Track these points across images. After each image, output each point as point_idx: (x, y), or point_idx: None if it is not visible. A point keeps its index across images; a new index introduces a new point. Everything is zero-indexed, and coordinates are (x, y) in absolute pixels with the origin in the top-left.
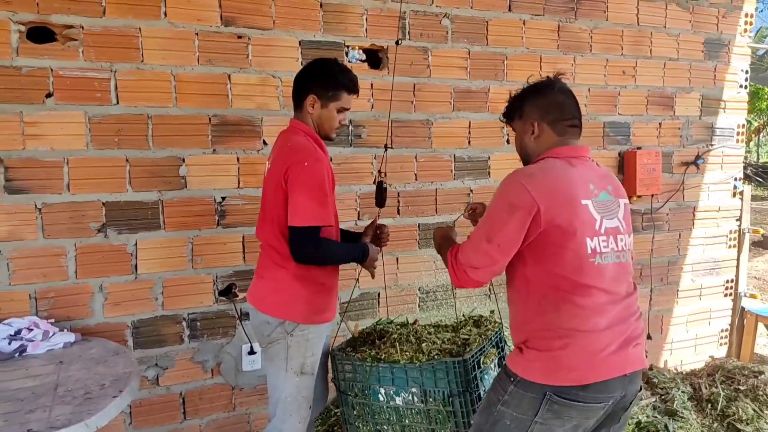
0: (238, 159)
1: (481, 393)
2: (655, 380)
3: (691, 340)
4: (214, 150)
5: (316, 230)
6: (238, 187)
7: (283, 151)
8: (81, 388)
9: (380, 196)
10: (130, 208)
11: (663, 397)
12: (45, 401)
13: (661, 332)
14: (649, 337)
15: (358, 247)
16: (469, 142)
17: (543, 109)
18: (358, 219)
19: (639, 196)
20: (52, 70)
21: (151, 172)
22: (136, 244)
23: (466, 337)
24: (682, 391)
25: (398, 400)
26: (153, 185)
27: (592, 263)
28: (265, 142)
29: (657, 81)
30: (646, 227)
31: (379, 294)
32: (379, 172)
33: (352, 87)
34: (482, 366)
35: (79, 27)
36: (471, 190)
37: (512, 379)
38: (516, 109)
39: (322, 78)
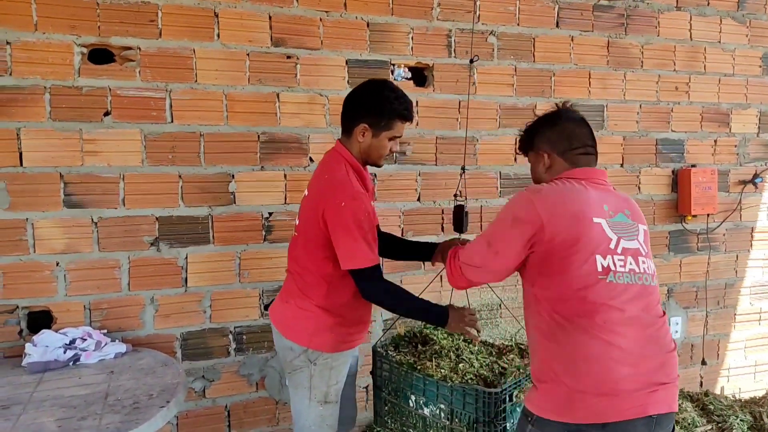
0: (285, 176)
1: (507, 426)
2: (711, 407)
3: (750, 366)
4: (262, 167)
5: (373, 269)
6: (285, 203)
7: (320, 183)
8: (130, 398)
9: (459, 218)
10: (182, 222)
11: (720, 425)
12: (96, 409)
13: (717, 358)
14: (704, 362)
15: (434, 309)
16: (515, 159)
17: (552, 141)
18: (402, 236)
19: (694, 216)
20: (110, 89)
21: (202, 188)
22: (186, 257)
23: (505, 366)
24: (741, 420)
25: (426, 411)
26: (204, 200)
27: (602, 281)
28: (311, 159)
29: (712, 97)
30: (701, 248)
31: None
32: (455, 195)
33: (408, 115)
34: (514, 399)
35: (137, 48)
36: None
37: (529, 419)
38: (527, 142)
39: (376, 106)
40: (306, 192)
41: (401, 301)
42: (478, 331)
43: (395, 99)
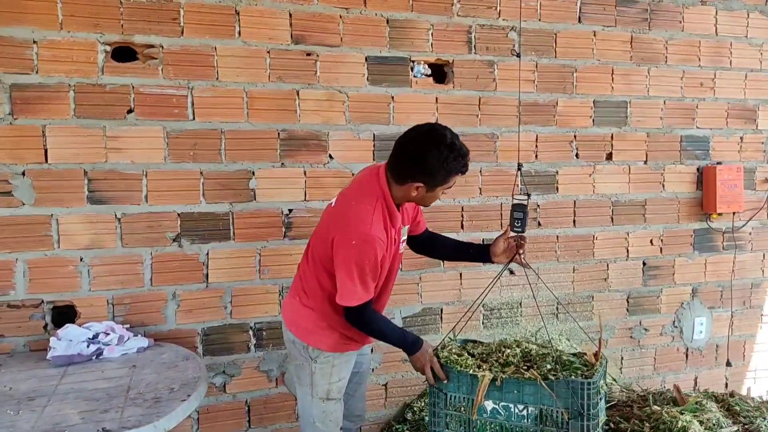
0: (305, 172)
1: (601, 420)
2: (737, 408)
3: None
4: (282, 164)
5: (361, 307)
6: (305, 199)
7: (346, 206)
8: (151, 392)
9: (517, 217)
10: (203, 219)
11: (747, 426)
12: (118, 402)
13: (743, 359)
14: (729, 363)
15: (408, 338)
16: (536, 156)
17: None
18: None
19: (719, 214)
20: (133, 87)
21: (223, 184)
22: (207, 254)
23: (571, 360)
24: None
25: (501, 417)
26: (224, 197)
27: None
28: (331, 156)
29: (738, 93)
30: (726, 247)
31: (441, 309)
32: (512, 194)
33: (466, 170)
34: (601, 393)
35: (159, 46)
36: (538, 205)
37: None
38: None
39: (435, 169)
40: (333, 201)
41: (378, 333)
42: (438, 379)
43: (454, 159)
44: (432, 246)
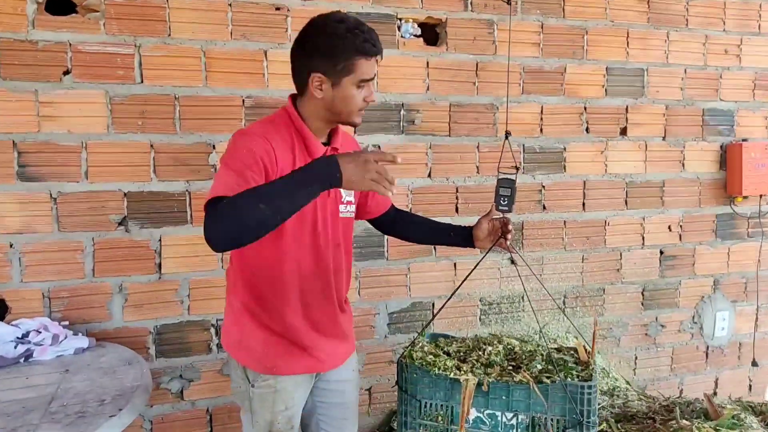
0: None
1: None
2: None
3: None
4: None
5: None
6: None
7: None
8: (78, 404)
9: (503, 194)
10: (155, 199)
11: None
12: (33, 418)
13: None
14: (754, 363)
15: (309, 171)
16: (541, 130)
17: None
18: None
19: (745, 197)
20: (70, 44)
21: (179, 159)
22: (160, 240)
23: (566, 359)
24: None
25: (486, 427)
26: (180, 174)
27: None
28: None
29: (767, 62)
30: (752, 234)
31: (433, 304)
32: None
33: (370, 48)
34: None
35: None
36: (543, 186)
37: None
38: None
39: (326, 46)
40: None
41: (250, 199)
42: (391, 183)
43: (348, 31)
44: (403, 226)
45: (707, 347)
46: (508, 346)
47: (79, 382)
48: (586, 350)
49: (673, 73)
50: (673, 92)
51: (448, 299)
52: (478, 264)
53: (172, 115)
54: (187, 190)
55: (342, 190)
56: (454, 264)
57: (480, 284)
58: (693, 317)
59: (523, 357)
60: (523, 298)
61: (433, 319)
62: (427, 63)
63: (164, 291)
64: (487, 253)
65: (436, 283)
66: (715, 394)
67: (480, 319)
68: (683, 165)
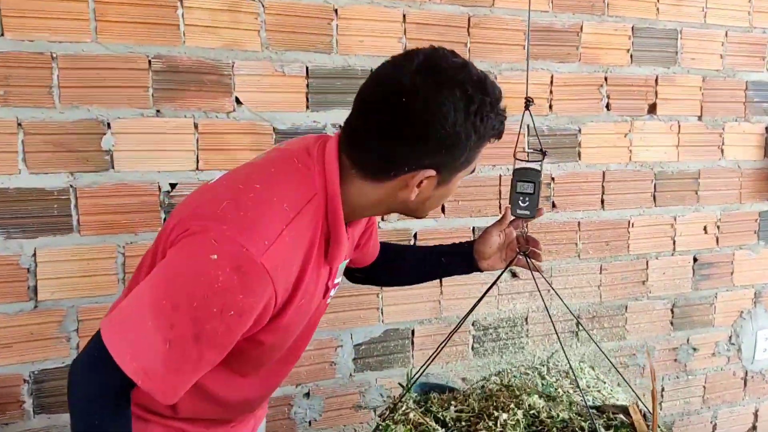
0: (196, 125)
1: None
2: None
3: None
4: (158, 111)
5: (126, 382)
6: (197, 168)
7: (230, 191)
8: None
9: (522, 190)
10: (26, 198)
11: None
12: None
13: None
14: None
15: None
16: (550, 107)
17: None
18: (382, 220)
19: None
20: None
21: (58, 142)
22: (34, 254)
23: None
24: None
25: None
26: (61, 164)
27: None
28: (238, 100)
29: None
30: None
31: (413, 331)
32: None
33: (502, 129)
34: None
35: None
36: (552, 179)
37: None
38: None
39: (454, 136)
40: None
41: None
42: None
43: (488, 111)
44: (387, 272)
45: (746, 373)
46: (530, 411)
47: None
48: (644, 417)
49: (712, 35)
50: (711, 60)
51: (449, 336)
52: (494, 283)
53: (49, 81)
54: (71, 185)
55: (339, 267)
56: (440, 280)
57: (471, 304)
58: (730, 337)
59: (553, 428)
60: (527, 320)
61: (427, 364)
62: (404, 16)
63: (43, 324)
64: (501, 274)
65: (417, 304)
66: (754, 428)
67: (473, 348)
68: (722, 150)
